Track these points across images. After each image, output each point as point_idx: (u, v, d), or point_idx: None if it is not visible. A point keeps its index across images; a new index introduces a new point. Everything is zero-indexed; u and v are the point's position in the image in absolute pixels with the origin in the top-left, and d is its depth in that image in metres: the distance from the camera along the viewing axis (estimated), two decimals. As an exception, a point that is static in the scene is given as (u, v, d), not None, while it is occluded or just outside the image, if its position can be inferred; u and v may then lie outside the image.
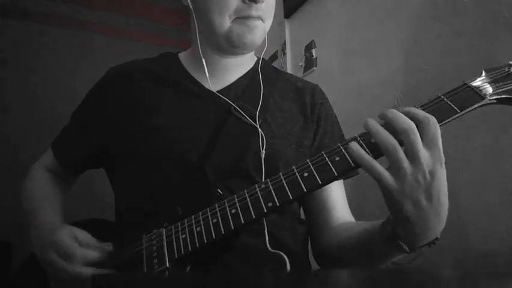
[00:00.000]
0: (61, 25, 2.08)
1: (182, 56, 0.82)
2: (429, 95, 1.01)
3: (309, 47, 1.59)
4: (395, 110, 0.49)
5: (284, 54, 1.76)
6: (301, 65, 1.63)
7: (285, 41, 1.76)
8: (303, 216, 0.80)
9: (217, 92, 0.73)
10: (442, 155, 0.46)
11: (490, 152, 0.84)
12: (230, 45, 0.71)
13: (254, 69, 0.81)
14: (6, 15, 1.95)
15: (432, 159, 0.46)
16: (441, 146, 0.46)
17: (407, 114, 0.48)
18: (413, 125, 0.46)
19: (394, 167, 0.47)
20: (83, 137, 0.79)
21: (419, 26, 1.07)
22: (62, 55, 2.04)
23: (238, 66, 0.78)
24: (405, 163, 0.46)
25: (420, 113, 0.48)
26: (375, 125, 0.49)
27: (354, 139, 0.52)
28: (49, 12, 2.06)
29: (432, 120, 0.46)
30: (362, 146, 0.50)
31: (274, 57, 1.83)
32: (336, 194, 0.76)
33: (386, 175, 0.47)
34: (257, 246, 0.62)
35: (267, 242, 0.61)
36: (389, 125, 0.48)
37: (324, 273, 0.54)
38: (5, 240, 1.42)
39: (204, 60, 0.73)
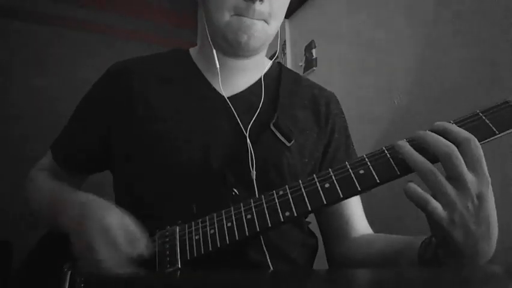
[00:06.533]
0: (61, 25, 2.08)
1: (193, 52, 0.79)
2: (429, 95, 1.01)
3: (309, 47, 1.59)
4: (431, 133, 0.45)
5: (284, 54, 1.76)
6: (301, 65, 1.63)
7: (285, 41, 1.76)
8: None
9: (228, 97, 0.70)
10: (488, 176, 0.43)
11: (490, 151, 0.83)
12: (226, 44, 0.68)
13: (268, 75, 0.77)
14: (6, 15, 1.94)
15: (479, 182, 0.43)
16: (485, 167, 0.43)
17: (446, 133, 0.45)
18: (455, 149, 0.43)
19: (440, 196, 0.43)
20: (82, 134, 0.76)
21: (419, 26, 1.07)
22: (62, 55, 2.04)
23: (249, 70, 0.75)
24: (451, 190, 0.43)
25: (461, 133, 0.44)
26: (408, 149, 0.45)
27: (381, 152, 0.48)
28: (49, 12, 2.05)
29: (474, 141, 0.43)
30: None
31: (275, 57, 1.83)
32: (354, 203, 0.75)
33: (437, 206, 0.43)
34: (264, 263, 0.61)
35: (270, 264, 0.60)
36: (424, 146, 0.45)
37: (328, 272, 0.54)
38: (5, 240, 1.42)
39: (216, 58, 0.70)
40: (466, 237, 0.43)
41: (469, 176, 0.42)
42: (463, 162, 0.43)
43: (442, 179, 0.43)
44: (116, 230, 0.53)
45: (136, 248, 0.53)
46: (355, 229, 0.73)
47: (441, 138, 0.44)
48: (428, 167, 0.44)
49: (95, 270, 0.52)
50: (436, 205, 0.43)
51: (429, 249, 0.50)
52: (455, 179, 0.43)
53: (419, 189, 0.44)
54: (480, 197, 0.43)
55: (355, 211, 0.74)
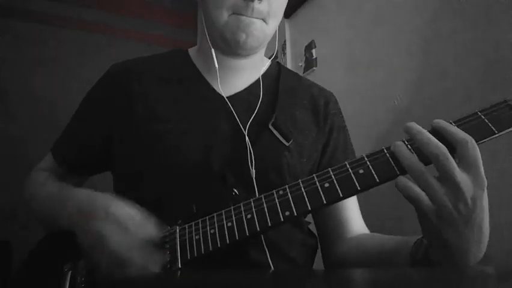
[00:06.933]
0: (61, 25, 2.08)
1: (192, 53, 0.79)
2: (429, 95, 1.01)
3: (309, 47, 1.59)
4: (423, 132, 0.45)
5: (284, 54, 1.76)
6: (301, 65, 1.63)
7: (285, 41, 1.76)
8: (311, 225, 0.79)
9: (227, 97, 0.71)
10: (484, 178, 0.43)
11: (488, 152, 0.84)
12: (225, 43, 0.68)
13: (267, 75, 0.78)
14: (6, 15, 1.94)
15: (473, 184, 0.42)
16: (482, 169, 0.43)
17: (444, 133, 0.45)
18: (445, 150, 0.43)
19: (428, 192, 0.43)
20: (82, 134, 0.76)
21: (418, 26, 1.07)
22: (63, 55, 2.04)
23: (247, 69, 0.75)
24: (438, 188, 0.43)
25: (458, 134, 0.44)
26: (401, 148, 0.46)
27: (381, 152, 0.48)
28: (49, 12, 2.05)
29: (471, 142, 0.43)
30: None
31: (274, 57, 1.83)
32: (351, 204, 0.75)
33: (421, 193, 0.44)
34: (265, 262, 0.61)
35: (271, 263, 0.60)
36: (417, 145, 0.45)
37: (325, 272, 0.54)
38: (5, 240, 1.42)
39: (215, 57, 0.70)
40: (455, 237, 0.44)
41: (462, 177, 0.42)
42: (453, 163, 0.42)
43: (429, 177, 0.44)
44: (124, 215, 0.53)
45: (146, 231, 0.53)
46: (351, 229, 0.73)
47: (432, 138, 0.44)
48: (416, 166, 0.44)
49: (108, 259, 0.51)
50: (419, 192, 0.44)
51: (421, 249, 0.51)
52: (445, 179, 0.43)
53: (407, 180, 0.45)
54: (474, 200, 0.42)
55: (352, 212, 0.74)
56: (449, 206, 0.43)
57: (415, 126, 0.46)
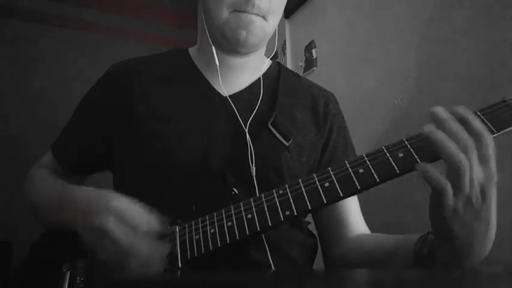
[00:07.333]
0: (61, 25, 2.08)
1: (192, 52, 0.80)
2: (429, 95, 1.01)
3: (309, 47, 1.59)
4: (452, 122, 0.44)
5: (284, 54, 1.76)
6: (301, 65, 1.63)
7: (285, 41, 1.76)
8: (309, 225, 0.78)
9: (229, 96, 0.71)
10: (495, 172, 0.43)
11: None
12: (225, 41, 0.68)
13: (267, 75, 0.78)
14: (6, 15, 1.94)
15: (485, 177, 0.43)
16: (494, 163, 0.43)
17: (464, 123, 0.44)
18: (471, 142, 0.43)
19: (457, 184, 0.43)
20: (82, 133, 0.76)
21: (419, 26, 1.07)
22: (62, 55, 2.04)
23: (247, 68, 0.75)
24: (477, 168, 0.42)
25: (479, 126, 0.43)
26: (442, 135, 0.44)
27: (381, 151, 0.48)
28: (49, 12, 2.05)
29: (489, 135, 0.43)
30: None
31: (274, 57, 1.83)
32: (352, 204, 0.75)
33: (449, 190, 0.42)
34: (265, 262, 0.61)
35: (271, 263, 0.60)
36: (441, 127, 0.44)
37: (326, 272, 0.54)
38: (5, 240, 1.42)
39: (215, 55, 0.70)
40: (463, 231, 0.44)
41: (478, 169, 0.42)
42: (476, 156, 0.42)
43: (468, 170, 0.42)
44: (125, 208, 0.53)
45: (148, 223, 0.53)
46: (351, 229, 0.73)
47: (461, 130, 0.43)
48: (460, 158, 0.43)
49: (112, 253, 0.51)
50: (446, 182, 0.43)
51: (426, 245, 0.51)
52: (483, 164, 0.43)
53: (435, 169, 0.44)
54: (483, 193, 0.43)
55: (352, 211, 0.74)
56: (464, 198, 0.42)
57: (431, 130, 0.45)
